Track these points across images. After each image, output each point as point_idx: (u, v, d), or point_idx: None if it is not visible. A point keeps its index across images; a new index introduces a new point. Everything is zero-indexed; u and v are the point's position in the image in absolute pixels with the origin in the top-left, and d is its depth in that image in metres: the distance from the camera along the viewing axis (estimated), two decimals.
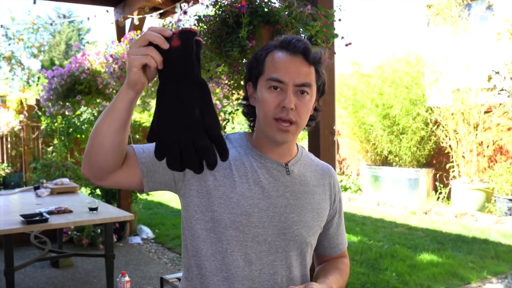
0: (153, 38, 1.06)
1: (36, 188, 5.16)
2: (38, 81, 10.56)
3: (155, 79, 1.16)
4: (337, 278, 1.45)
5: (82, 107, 5.93)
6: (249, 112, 1.44)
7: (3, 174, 8.90)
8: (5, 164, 9.10)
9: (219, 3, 2.47)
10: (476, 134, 8.04)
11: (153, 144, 1.11)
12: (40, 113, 8.66)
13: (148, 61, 1.06)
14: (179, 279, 2.33)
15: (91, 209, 3.95)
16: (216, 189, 1.31)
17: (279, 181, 1.37)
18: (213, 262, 1.33)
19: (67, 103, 5.17)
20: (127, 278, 2.74)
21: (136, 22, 4.94)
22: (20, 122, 9.08)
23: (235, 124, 10.66)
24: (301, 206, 1.39)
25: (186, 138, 1.06)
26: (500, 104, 7.72)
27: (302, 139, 10.46)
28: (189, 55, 1.07)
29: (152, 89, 4.25)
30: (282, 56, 1.33)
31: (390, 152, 9.16)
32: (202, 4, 3.00)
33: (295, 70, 1.31)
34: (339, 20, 2.61)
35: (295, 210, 1.37)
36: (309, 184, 1.43)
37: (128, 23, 5.50)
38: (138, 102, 5.41)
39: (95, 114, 8.40)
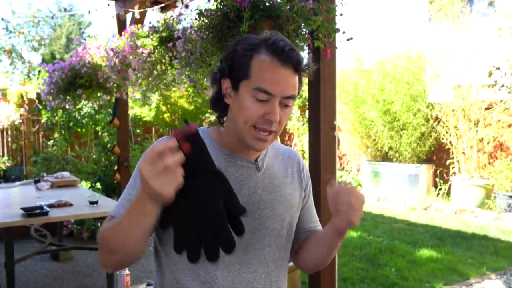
0: (166, 159, 1.00)
1: (36, 182, 5.17)
2: (38, 74, 10.55)
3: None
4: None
5: (83, 101, 5.93)
6: (220, 108, 1.35)
7: (4, 168, 8.91)
8: (5, 157, 9.11)
9: None
10: (477, 131, 8.04)
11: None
12: (40, 107, 8.66)
13: (178, 183, 1.01)
14: None
15: (92, 203, 3.95)
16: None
17: (249, 178, 1.35)
18: (188, 270, 1.29)
19: (67, 97, 5.16)
20: (127, 272, 2.75)
21: (137, 16, 4.92)
22: (21, 115, 9.08)
23: None
24: (273, 200, 1.37)
25: (208, 231, 1.05)
26: (501, 101, 7.71)
27: (303, 135, 10.48)
28: (204, 153, 1.08)
29: (153, 83, 4.24)
30: (273, 65, 1.24)
31: (390, 148, 9.16)
32: None
33: (285, 82, 1.25)
34: (341, 14, 2.60)
35: (268, 205, 1.36)
36: (278, 176, 1.41)
37: (129, 16, 5.49)
38: (138, 96, 5.41)
39: (96, 108, 8.41)
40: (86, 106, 8.40)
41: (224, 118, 1.37)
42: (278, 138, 10.90)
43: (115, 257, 1.21)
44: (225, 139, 1.35)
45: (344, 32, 2.57)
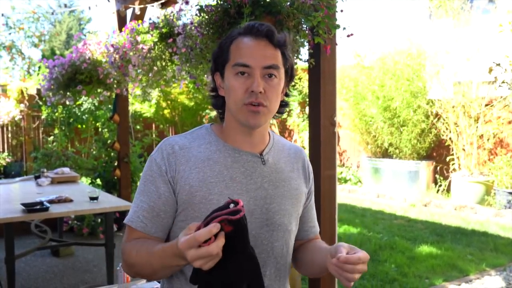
0: (210, 248, 1.03)
1: (36, 177, 5.18)
2: (38, 70, 10.54)
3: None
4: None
5: (83, 97, 5.93)
6: (218, 104, 1.42)
7: (4, 164, 8.91)
8: (5, 153, 9.11)
9: None
10: (477, 127, 8.04)
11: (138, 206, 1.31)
12: (40, 103, 8.65)
13: (217, 260, 1.05)
14: None
15: (92, 199, 3.96)
16: (193, 197, 1.29)
17: (255, 172, 1.36)
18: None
19: (68, 93, 5.16)
20: None
21: (138, 12, 4.91)
22: (21, 111, 9.08)
23: None
24: (280, 195, 1.38)
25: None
26: (501, 97, 7.71)
27: (303, 131, 10.48)
28: (244, 236, 1.09)
29: (153, 79, 4.24)
30: (246, 41, 1.31)
31: (390, 144, 9.17)
32: None
33: (260, 53, 1.30)
34: (341, 11, 2.60)
35: (275, 200, 1.37)
36: (284, 171, 1.42)
37: (129, 12, 5.48)
38: (139, 92, 5.40)
39: (96, 104, 8.40)
40: (86, 102, 8.39)
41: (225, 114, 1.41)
42: (278, 134, 10.90)
43: (143, 271, 1.30)
44: (228, 134, 1.38)
45: (344, 28, 2.57)
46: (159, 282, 1.77)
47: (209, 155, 1.34)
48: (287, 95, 1.44)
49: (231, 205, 1.09)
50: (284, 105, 1.42)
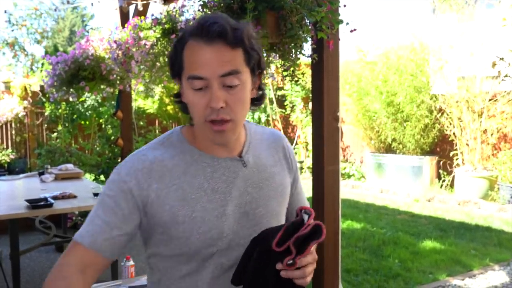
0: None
1: (40, 174, 5.19)
2: (42, 67, 10.56)
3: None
4: None
5: (86, 93, 5.93)
6: (187, 108, 1.25)
7: (8, 160, 8.94)
8: (9, 150, 9.14)
9: None
10: (481, 122, 8.01)
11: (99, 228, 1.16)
12: (44, 99, 8.67)
13: None
14: None
15: (96, 195, 3.97)
16: (176, 216, 1.18)
17: (237, 178, 1.26)
18: (187, 280, 1.25)
19: (71, 89, 5.17)
20: (131, 262, 2.76)
21: (140, 8, 4.91)
22: (24, 108, 9.10)
23: None
24: (265, 196, 1.30)
25: None
26: (505, 92, 7.68)
27: (306, 127, 10.47)
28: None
29: (156, 74, 4.24)
30: (198, 47, 1.13)
31: (394, 140, 9.15)
32: None
33: (215, 60, 1.12)
34: (344, 6, 2.59)
35: (261, 203, 1.29)
36: (267, 167, 1.33)
37: (132, 9, 5.48)
38: (142, 88, 5.40)
39: (99, 100, 8.42)
40: (90, 99, 8.41)
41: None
42: (281, 130, 10.91)
43: None
44: (201, 139, 1.25)
45: (347, 24, 2.57)
46: None
47: (186, 169, 1.21)
48: (260, 88, 1.27)
49: (305, 216, 1.09)
50: (258, 98, 1.28)
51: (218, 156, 1.25)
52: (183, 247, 1.21)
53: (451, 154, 8.46)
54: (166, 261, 1.27)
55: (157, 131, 9.94)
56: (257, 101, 1.28)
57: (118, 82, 4.99)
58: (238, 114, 1.17)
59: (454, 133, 8.34)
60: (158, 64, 3.90)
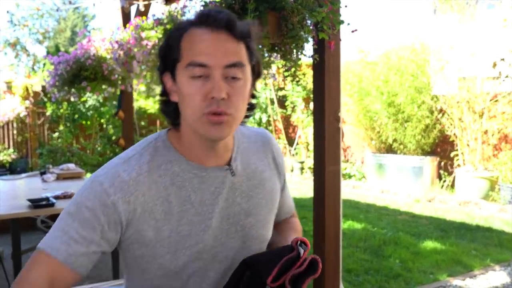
0: None
1: (42, 173, 5.20)
2: (43, 67, 10.58)
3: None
4: (294, 232, 1.38)
5: (88, 93, 5.94)
6: (171, 111, 1.17)
7: (9, 160, 8.96)
8: (11, 149, 9.16)
9: None
10: (481, 123, 8.02)
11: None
12: (45, 99, 8.69)
13: None
14: None
15: None
16: (161, 231, 1.11)
17: (226, 188, 1.18)
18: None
19: (72, 89, 5.19)
20: None
21: (142, 8, 4.92)
22: (26, 108, 9.12)
23: None
24: (255, 205, 1.24)
25: None
26: (506, 92, 7.69)
27: (307, 127, 10.47)
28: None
29: (157, 74, 4.25)
30: (202, 34, 1.07)
31: (394, 140, 9.16)
32: None
33: (221, 49, 1.06)
34: (345, 6, 2.60)
35: (251, 213, 1.23)
36: (256, 174, 1.26)
37: (133, 9, 5.49)
38: (143, 88, 5.40)
39: (100, 100, 8.43)
40: (91, 99, 8.43)
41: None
42: (283, 131, 10.92)
43: None
44: (189, 148, 1.17)
45: (348, 24, 2.57)
46: None
47: (172, 179, 1.13)
48: (253, 96, 1.20)
49: (301, 250, 1.04)
50: (250, 108, 1.20)
51: (205, 165, 1.17)
52: (168, 265, 1.13)
53: (451, 154, 8.46)
54: (145, 281, 1.18)
55: (158, 131, 9.94)
56: (248, 110, 1.19)
57: (119, 82, 5.00)
58: (238, 110, 1.10)
59: (455, 134, 8.34)
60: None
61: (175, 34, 1.11)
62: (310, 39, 2.55)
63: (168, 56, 1.11)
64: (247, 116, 1.20)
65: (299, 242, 1.06)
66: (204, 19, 1.08)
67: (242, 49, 1.10)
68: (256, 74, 1.17)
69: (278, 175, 1.33)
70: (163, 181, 1.12)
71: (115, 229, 1.09)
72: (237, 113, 1.10)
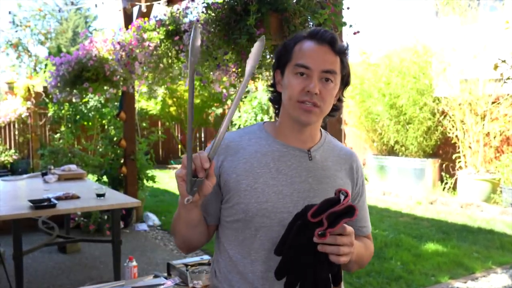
0: None
1: (43, 174, 5.21)
2: (45, 68, 10.59)
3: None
4: (360, 245, 1.47)
5: (89, 94, 5.94)
6: (275, 99, 1.49)
7: (11, 161, 8.97)
8: (12, 150, 9.17)
9: None
10: (483, 125, 8.01)
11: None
12: (47, 100, 8.69)
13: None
14: (186, 264, 2.36)
15: (98, 195, 3.98)
16: (239, 184, 1.38)
17: (301, 166, 1.42)
18: (242, 247, 1.40)
19: (74, 90, 5.19)
20: (134, 263, 2.76)
21: (144, 9, 4.92)
22: (28, 109, 9.13)
23: (242, 113, 10.66)
24: (323, 190, 1.42)
25: (311, 270, 1.19)
26: (508, 95, 7.68)
27: None
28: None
29: (159, 76, 4.25)
30: (309, 45, 1.38)
31: (396, 142, 9.15)
32: None
33: (321, 58, 1.36)
34: (348, 8, 2.60)
35: (318, 194, 1.40)
36: (330, 169, 1.47)
37: (135, 10, 5.50)
38: (144, 89, 5.41)
39: (102, 101, 8.43)
40: (93, 100, 8.42)
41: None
42: None
43: (176, 239, 1.46)
44: (280, 131, 1.45)
45: (351, 26, 2.57)
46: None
47: (258, 149, 1.43)
48: (340, 100, 1.50)
49: (342, 196, 1.17)
50: (335, 109, 1.48)
51: (289, 144, 1.43)
52: (241, 213, 1.38)
53: (453, 156, 8.45)
54: (227, 228, 1.44)
55: (159, 132, 9.94)
56: (333, 110, 1.47)
57: (121, 83, 5.00)
58: (325, 104, 1.38)
59: (456, 136, 8.33)
60: (161, 65, 3.91)
61: (291, 41, 1.43)
62: None
63: (283, 57, 1.43)
64: (331, 115, 1.48)
65: (341, 191, 1.19)
66: (314, 35, 1.40)
67: (337, 61, 1.40)
68: (345, 83, 1.48)
69: (352, 182, 1.51)
70: (250, 149, 1.43)
71: (216, 174, 1.40)
72: (325, 106, 1.38)
